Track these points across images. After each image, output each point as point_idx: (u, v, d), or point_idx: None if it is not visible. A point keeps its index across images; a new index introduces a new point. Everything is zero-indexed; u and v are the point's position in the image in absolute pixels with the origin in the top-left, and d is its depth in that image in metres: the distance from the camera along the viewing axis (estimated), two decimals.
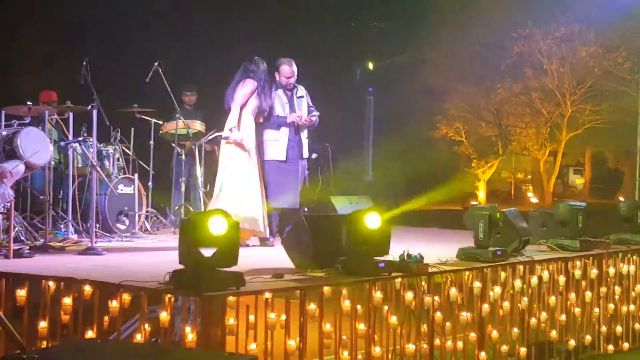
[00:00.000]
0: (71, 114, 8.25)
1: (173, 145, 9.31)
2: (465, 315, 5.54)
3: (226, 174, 7.40)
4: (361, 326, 4.93)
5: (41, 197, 7.62)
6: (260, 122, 7.60)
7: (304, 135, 7.93)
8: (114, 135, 9.03)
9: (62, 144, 8.16)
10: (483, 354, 5.71)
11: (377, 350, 5.02)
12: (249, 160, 7.41)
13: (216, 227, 4.06)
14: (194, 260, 4.09)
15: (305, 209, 8.09)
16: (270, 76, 7.72)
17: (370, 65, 21.78)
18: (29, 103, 7.74)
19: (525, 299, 6.07)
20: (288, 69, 7.80)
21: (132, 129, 9.57)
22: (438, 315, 5.41)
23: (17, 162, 6.71)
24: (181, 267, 4.20)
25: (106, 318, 4.52)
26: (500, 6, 21.56)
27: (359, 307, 4.96)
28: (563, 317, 6.40)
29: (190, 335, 4.14)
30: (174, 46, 12.11)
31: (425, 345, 5.37)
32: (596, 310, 6.78)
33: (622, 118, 20.69)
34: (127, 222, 8.54)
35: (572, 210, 6.98)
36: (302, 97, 7.96)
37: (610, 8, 19.15)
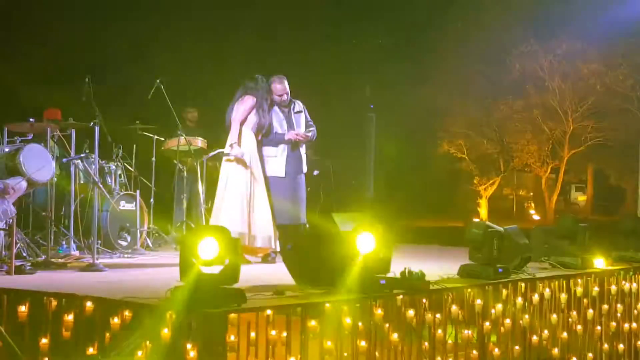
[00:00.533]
0: (73, 131, 8.27)
1: (175, 162, 9.33)
2: (466, 332, 5.52)
3: (227, 190, 7.41)
4: (362, 343, 4.92)
5: (43, 213, 7.63)
6: (259, 139, 7.62)
7: (303, 150, 7.93)
8: (115, 151, 9.05)
9: (64, 160, 8.18)
10: None
11: None
12: (251, 176, 7.43)
13: (212, 245, 4.07)
14: (195, 278, 4.09)
15: (307, 225, 8.07)
16: (269, 93, 7.75)
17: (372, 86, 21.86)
18: (31, 120, 7.76)
19: (527, 316, 6.06)
20: (279, 87, 7.78)
21: (134, 146, 9.59)
22: (439, 332, 5.39)
23: (19, 178, 6.74)
24: (182, 283, 4.20)
25: (107, 334, 4.52)
26: (502, 22, 21.62)
27: (360, 324, 4.95)
28: (565, 334, 6.38)
29: (191, 352, 4.13)
30: (176, 64, 12.19)
31: None
32: (598, 328, 6.76)
33: (624, 135, 20.70)
34: (128, 238, 8.55)
35: (574, 226, 6.97)
36: (300, 112, 7.95)
37: (612, 25, 19.20)
